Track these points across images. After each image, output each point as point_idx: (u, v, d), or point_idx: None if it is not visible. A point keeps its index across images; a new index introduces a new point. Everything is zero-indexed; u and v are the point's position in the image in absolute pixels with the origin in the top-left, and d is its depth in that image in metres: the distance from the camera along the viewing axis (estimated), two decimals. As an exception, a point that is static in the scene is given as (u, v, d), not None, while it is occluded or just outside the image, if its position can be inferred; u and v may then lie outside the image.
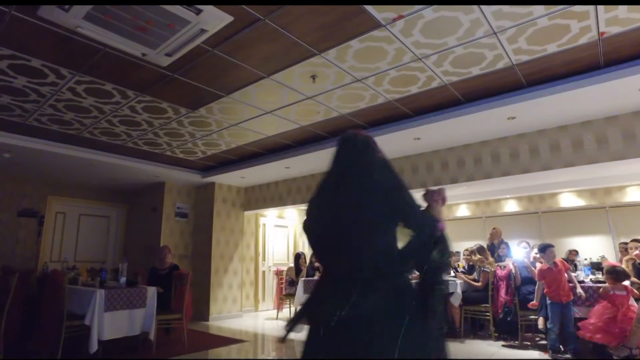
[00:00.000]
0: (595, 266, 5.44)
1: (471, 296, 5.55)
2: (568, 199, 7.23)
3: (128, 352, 4.64)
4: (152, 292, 4.76)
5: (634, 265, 4.69)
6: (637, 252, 4.68)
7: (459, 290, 5.48)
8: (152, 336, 4.64)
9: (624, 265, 4.97)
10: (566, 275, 4.58)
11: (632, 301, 4.09)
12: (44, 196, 7.02)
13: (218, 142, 5.68)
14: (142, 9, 2.75)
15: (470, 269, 5.96)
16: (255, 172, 6.76)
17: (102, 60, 3.43)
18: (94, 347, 4.13)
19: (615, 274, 4.14)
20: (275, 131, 5.27)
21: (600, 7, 2.79)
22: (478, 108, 4.27)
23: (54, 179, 7.08)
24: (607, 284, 4.24)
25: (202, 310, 7.11)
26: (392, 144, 5.31)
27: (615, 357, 3.95)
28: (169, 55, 3.35)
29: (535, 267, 5.22)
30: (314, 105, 4.46)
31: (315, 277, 7.06)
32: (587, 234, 7.25)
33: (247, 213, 8.03)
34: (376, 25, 2.99)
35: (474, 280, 5.66)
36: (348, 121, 4.92)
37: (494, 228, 6.77)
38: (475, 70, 3.70)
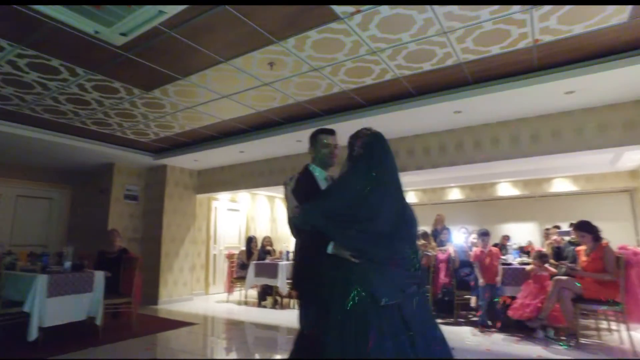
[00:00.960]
0: (522, 250, 6.02)
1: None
2: (505, 189, 7.85)
3: (73, 338, 4.53)
4: (99, 276, 4.65)
5: (553, 248, 5.27)
6: (555, 237, 5.26)
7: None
8: (98, 321, 4.54)
9: (545, 249, 5.55)
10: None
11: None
12: (-24, 175, 6.52)
13: (172, 124, 5.56)
14: (96, -15, 2.67)
15: (415, 253, 6.34)
16: (209, 155, 6.69)
17: (49, 35, 3.25)
18: (33, 334, 3.99)
19: (541, 258, 4.69)
20: (231, 115, 5.25)
21: (535, 17, 3.08)
22: (428, 101, 4.52)
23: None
24: (533, 266, 4.77)
25: (151, 294, 7.01)
26: (345, 132, 5.46)
27: (530, 326, 4.53)
28: (123, 34, 3.25)
29: (472, 251, 5.68)
30: (271, 92, 4.51)
31: (267, 260, 7.16)
32: (518, 220, 7.93)
33: (199, 196, 7.94)
34: (335, 17, 3.09)
35: (419, 263, 6.04)
36: (304, 108, 5.02)
37: (437, 215, 7.21)
38: (427, 66, 3.92)
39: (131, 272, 5.10)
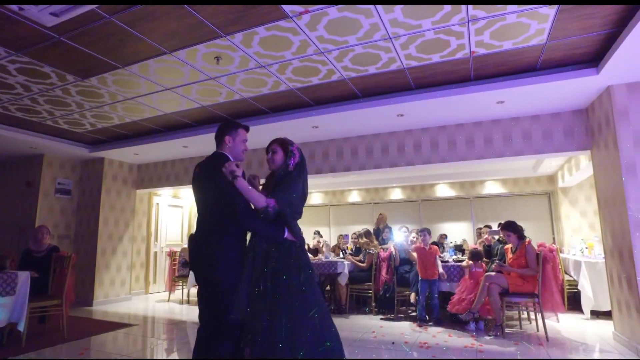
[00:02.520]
0: (458, 248, 6.39)
1: (357, 276, 6.09)
2: (443, 190, 8.29)
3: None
4: (23, 277, 4.30)
5: (484, 247, 5.67)
6: (486, 236, 5.66)
7: (346, 270, 5.97)
8: (21, 327, 4.18)
9: (478, 246, 5.94)
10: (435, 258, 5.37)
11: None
12: None
13: (110, 115, 5.27)
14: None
15: (357, 251, 6.52)
16: (151, 149, 6.42)
17: (-33, 11, 2.97)
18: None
19: (476, 255, 5.04)
20: (175, 109, 5.09)
21: (472, 30, 3.29)
22: (372, 104, 4.67)
23: None
24: (468, 263, 5.10)
25: (85, 295, 6.61)
26: (291, 130, 5.52)
27: (462, 319, 4.84)
28: (55, 15, 3.04)
29: (412, 249, 5.94)
30: (217, 87, 4.43)
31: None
32: (455, 220, 8.42)
33: (139, 191, 7.59)
34: (283, 16, 3.10)
35: (360, 261, 6.22)
36: (250, 105, 4.98)
37: (380, 214, 7.46)
38: (372, 69, 4.05)
39: (62, 272, 4.77)
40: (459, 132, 5.21)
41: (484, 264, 5.17)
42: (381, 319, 5.63)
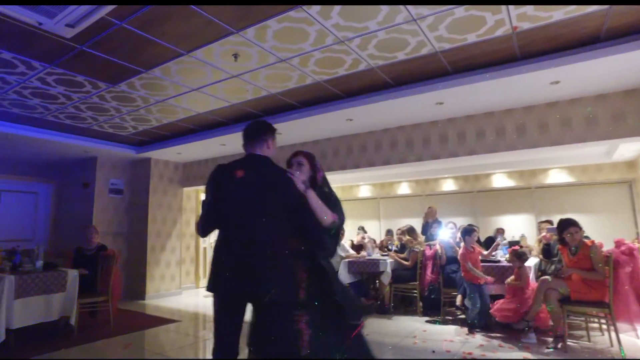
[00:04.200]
0: (514, 245, 5.78)
1: (401, 275, 5.76)
2: (500, 180, 7.59)
3: (45, 339, 4.45)
4: (72, 275, 4.56)
5: (542, 246, 5.02)
6: (544, 233, 5.01)
7: (388, 269, 5.67)
8: (72, 321, 4.47)
9: (535, 245, 5.33)
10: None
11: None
12: (-45, 171, 6.46)
13: (148, 118, 5.40)
14: (27, -25, 2.48)
15: (402, 248, 6.17)
16: (191, 148, 6.54)
17: (-8, 28, 3.09)
18: (1, 336, 3.93)
19: (518, 256, 4.51)
20: (206, 108, 5.08)
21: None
22: (407, 92, 4.29)
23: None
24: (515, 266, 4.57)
25: (138, 289, 6.97)
26: (325, 124, 5.30)
27: (515, 328, 4.34)
28: (70, 26, 3.07)
29: (459, 247, 5.48)
30: (241, 84, 4.31)
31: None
32: (514, 212, 7.68)
33: (186, 189, 7.82)
34: (291, 6, 2.87)
35: (404, 259, 5.87)
36: (278, 100, 4.82)
37: (429, 207, 6.98)
38: (401, 55, 3.68)
39: (108, 269, 5.01)
40: (507, 118, 4.64)
41: (526, 268, 4.56)
42: (426, 321, 5.27)
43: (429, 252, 5.64)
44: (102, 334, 4.72)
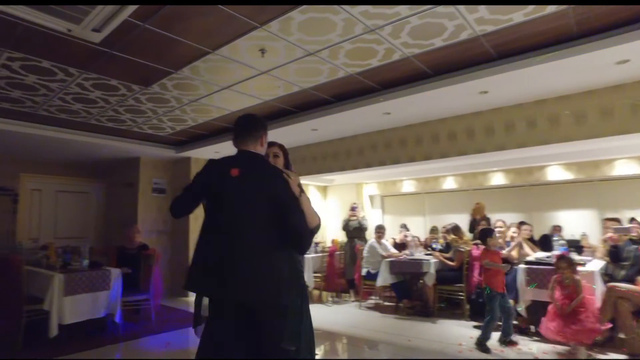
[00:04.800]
0: (573, 245, 5.24)
1: (446, 275, 5.43)
2: (556, 172, 6.93)
3: (93, 335, 4.62)
4: (116, 273, 4.70)
5: (609, 247, 4.44)
6: (610, 234, 4.44)
7: (432, 269, 5.36)
8: (117, 318, 4.61)
9: (600, 246, 4.78)
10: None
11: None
12: (16, 174, 6.90)
13: (183, 118, 5.44)
14: (47, -19, 2.48)
15: (447, 247, 5.82)
16: (229, 146, 6.44)
17: (26, 36, 3.17)
18: (54, 331, 4.13)
19: (564, 261, 3.95)
20: (239, 106, 5.01)
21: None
22: (447, 81, 3.96)
23: (24, 156, 6.95)
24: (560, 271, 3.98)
25: (181, 287, 7.12)
26: (361, 119, 5.07)
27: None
28: (96, 30, 3.08)
29: (510, 247, 5.07)
30: (272, 80, 4.18)
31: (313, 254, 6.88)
32: (573, 208, 7.00)
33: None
34: (313, -6, 2.67)
35: (449, 259, 5.52)
36: (311, 95, 4.64)
37: (476, 203, 6.56)
38: (438, 42, 3.37)
39: (149, 268, 5.13)
40: (563, 105, 4.17)
41: (577, 273, 3.94)
42: (474, 326, 4.93)
43: (476, 252, 5.26)
44: (145, 331, 4.84)
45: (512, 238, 5.19)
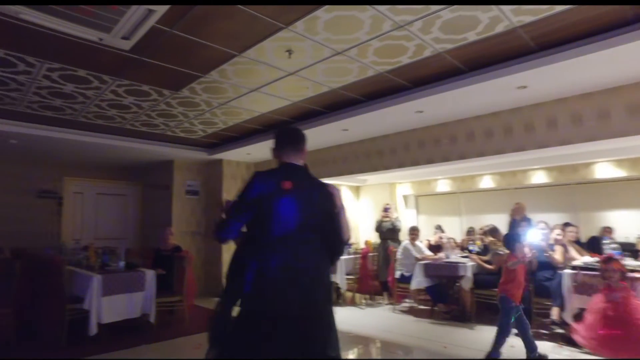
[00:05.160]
0: (627, 248, 4.86)
1: (484, 280, 5.18)
2: (605, 170, 6.47)
3: (130, 334, 4.74)
4: (150, 275, 4.81)
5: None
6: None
7: (469, 273, 5.14)
8: (151, 318, 4.72)
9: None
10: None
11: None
12: (60, 177, 7.25)
13: (214, 121, 5.49)
14: (77, -8, 2.53)
15: (485, 250, 5.56)
16: (259, 148, 6.54)
17: (61, 47, 3.28)
18: (93, 330, 4.28)
19: (613, 264, 3.64)
20: (268, 108, 5.00)
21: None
22: (482, 77, 3.75)
23: (67, 161, 7.28)
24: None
25: (216, 287, 7.23)
26: (393, 117, 4.93)
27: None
28: (126, 38, 3.13)
29: (554, 250, 4.77)
30: (300, 81, 4.13)
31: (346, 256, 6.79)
32: (626, 208, 6.51)
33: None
34: (339, -8, 2.58)
35: (487, 262, 5.27)
36: (341, 95, 4.55)
37: (516, 203, 6.23)
38: (472, 36, 3.19)
39: (182, 270, 5.21)
40: (613, 99, 3.84)
41: (626, 279, 3.61)
42: (515, 334, 4.67)
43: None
44: (178, 332, 4.92)
45: (556, 241, 4.88)
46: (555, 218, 6.39)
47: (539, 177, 7.14)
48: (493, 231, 5.38)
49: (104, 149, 6.40)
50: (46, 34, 3.05)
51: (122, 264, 4.80)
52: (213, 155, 7.05)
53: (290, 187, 2.00)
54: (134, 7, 2.69)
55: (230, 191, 7.46)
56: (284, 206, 1.97)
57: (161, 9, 2.74)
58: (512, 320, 3.73)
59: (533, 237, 4.86)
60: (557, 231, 4.95)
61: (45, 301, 4.72)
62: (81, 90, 4.22)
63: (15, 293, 4.39)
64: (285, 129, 2.27)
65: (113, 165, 7.94)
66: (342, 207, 2.15)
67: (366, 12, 2.84)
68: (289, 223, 1.97)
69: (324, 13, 2.84)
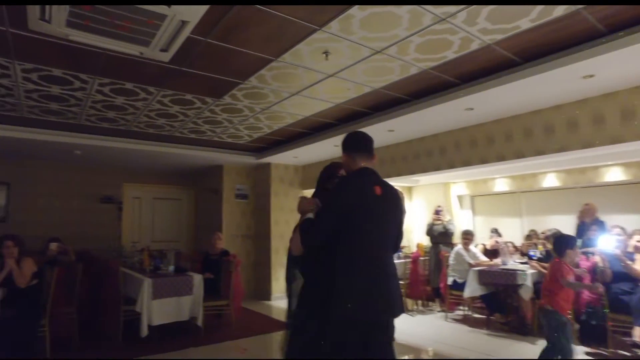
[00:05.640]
0: None
1: (547, 289, 4.72)
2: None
3: (179, 337, 4.87)
4: (198, 279, 4.91)
5: None
6: None
7: (529, 282, 4.71)
8: (199, 322, 4.82)
9: None
10: None
11: None
12: (120, 183, 7.69)
13: (259, 126, 5.51)
14: (113, 9, 2.59)
15: (548, 256, 5.08)
16: (306, 151, 6.51)
17: (108, 63, 3.43)
18: (144, 331, 4.45)
19: None
20: (311, 111, 4.92)
21: None
22: (539, 68, 3.38)
23: (125, 168, 7.73)
24: None
25: (264, 290, 7.30)
26: (441, 116, 4.64)
27: None
28: (164, 50, 3.19)
29: (634, 260, 4.23)
30: (340, 82, 4.00)
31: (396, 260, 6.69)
32: None
33: (306, 192, 7.89)
34: (371, -13, 2.42)
35: (551, 270, 4.80)
36: (384, 95, 4.35)
37: (585, 204, 5.63)
38: (525, 23, 2.87)
39: (228, 275, 5.28)
40: None
41: None
42: (586, 353, 4.22)
43: (585, 263, 4.51)
44: (225, 335, 4.99)
45: (636, 248, 4.32)
46: (635, 222, 5.66)
47: (614, 174, 6.40)
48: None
49: (157, 156, 6.69)
50: (94, 52, 3.21)
51: (172, 268, 4.95)
52: (261, 159, 7.12)
53: (380, 192, 2.03)
54: (167, 20, 2.72)
55: (277, 193, 7.50)
56: (377, 211, 2.00)
57: (194, 20, 2.75)
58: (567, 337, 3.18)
59: (606, 243, 4.35)
60: (638, 237, 4.37)
61: (103, 302, 4.99)
62: (130, 102, 4.40)
63: (78, 294, 4.68)
64: (358, 133, 2.26)
65: (167, 171, 8.30)
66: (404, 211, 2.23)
67: (403, 7, 2.64)
68: (381, 228, 2.02)
69: (358, 11, 2.69)
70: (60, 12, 2.64)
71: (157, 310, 4.58)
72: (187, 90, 4.13)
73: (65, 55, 3.29)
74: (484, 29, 2.93)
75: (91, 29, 2.84)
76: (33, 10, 2.64)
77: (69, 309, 4.52)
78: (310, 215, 2.05)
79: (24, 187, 6.86)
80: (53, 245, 4.84)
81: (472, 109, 4.36)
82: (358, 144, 2.17)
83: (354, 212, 1.94)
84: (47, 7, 2.59)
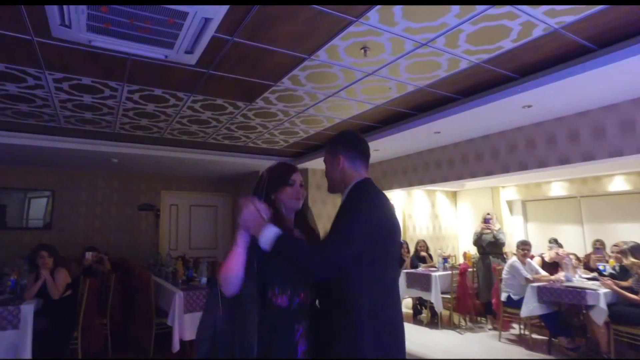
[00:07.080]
0: None
1: (624, 312, 4.11)
2: None
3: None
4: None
5: None
6: None
7: (602, 303, 4.11)
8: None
9: None
10: None
11: None
12: (158, 191, 7.70)
13: (294, 130, 5.25)
14: (132, 9, 2.40)
15: (623, 272, 4.44)
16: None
17: (135, 69, 3.27)
18: (176, 346, 4.25)
19: None
20: (349, 114, 4.59)
21: None
22: (620, 54, 2.87)
23: (162, 175, 7.73)
24: None
25: None
26: (496, 115, 4.18)
27: None
28: (189, 52, 2.97)
29: None
30: (380, 81, 3.64)
31: (420, 269, 6.32)
32: None
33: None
34: (417, -34, 2.06)
35: (630, 290, 4.18)
36: (430, 94, 3.95)
37: (664, 212, 4.93)
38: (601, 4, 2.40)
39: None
40: None
41: None
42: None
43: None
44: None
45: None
46: None
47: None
48: (636, 250, 4.24)
49: (193, 163, 6.60)
50: (119, 58, 3.08)
51: (203, 280, 4.77)
52: (297, 164, 6.86)
53: (388, 207, 1.65)
54: (189, 18, 2.49)
55: (315, 199, 7.21)
56: (395, 235, 1.62)
57: (217, 17, 2.50)
58: None
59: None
60: None
61: (136, 314, 4.89)
62: (161, 108, 4.26)
63: (111, 304, 4.61)
64: (357, 133, 1.82)
65: (203, 178, 8.25)
66: None
67: (454, -11, 2.27)
68: (397, 254, 1.72)
69: (401, -3, 2.34)
70: (78, 15, 2.48)
71: (188, 324, 4.38)
72: (217, 95, 3.92)
73: (92, 63, 3.17)
74: (551, 10, 2.48)
75: (112, 32, 2.66)
76: (53, 16, 2.50)
77: (101, 320, 4.44)
78: (274, 230, 1.47)
79: (67, 195, 7.00)
80: (89, 255, 4.81)
81: (530, 106, 3.87)
82: (363, 147, 1.71)
83: (380, 240, 1.50)
84: (65, 10, 2.43)
